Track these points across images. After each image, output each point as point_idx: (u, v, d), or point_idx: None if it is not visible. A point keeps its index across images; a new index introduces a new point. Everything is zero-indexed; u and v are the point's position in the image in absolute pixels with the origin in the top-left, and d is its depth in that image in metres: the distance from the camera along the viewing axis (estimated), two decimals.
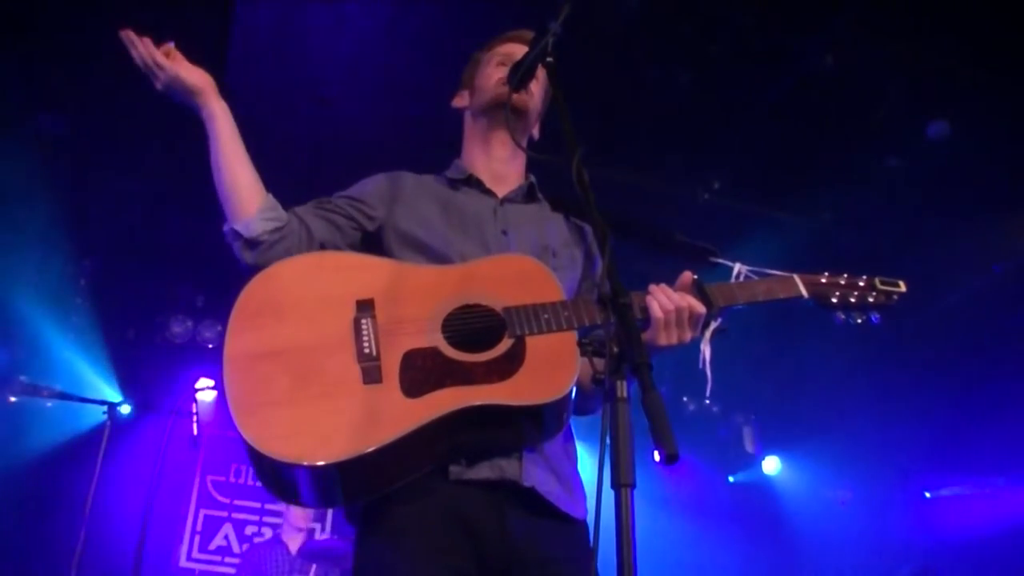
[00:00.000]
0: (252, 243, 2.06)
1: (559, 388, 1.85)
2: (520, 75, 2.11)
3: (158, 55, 2.10)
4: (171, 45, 2.13)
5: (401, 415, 1.80)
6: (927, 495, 8.92)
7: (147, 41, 2.11)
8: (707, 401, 8.39)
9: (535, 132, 2.46)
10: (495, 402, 1.83)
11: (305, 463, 1.75)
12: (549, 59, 1.96)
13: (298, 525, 6.12)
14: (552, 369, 1.87)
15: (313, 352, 1.89)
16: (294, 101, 5.43)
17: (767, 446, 8.98)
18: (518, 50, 2.22)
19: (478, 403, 1.82)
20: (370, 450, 1.75)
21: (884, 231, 6.23)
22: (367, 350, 1.88)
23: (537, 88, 2.34)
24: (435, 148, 2.54)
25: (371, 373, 1.85)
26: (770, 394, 8.41)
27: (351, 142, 5.55)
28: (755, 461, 8.99)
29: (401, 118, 5.46)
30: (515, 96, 2.20)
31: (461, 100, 2.49)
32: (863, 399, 7.74)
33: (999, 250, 6.29)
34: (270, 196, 2.13)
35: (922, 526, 8.51)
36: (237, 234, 2.07)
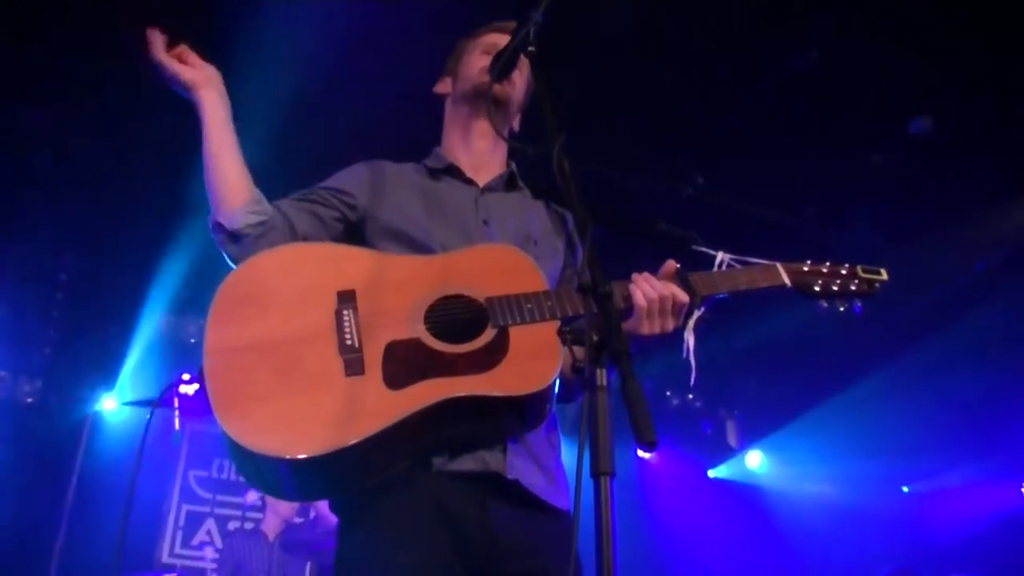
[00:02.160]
0: (235, 236, 2.05)
1: (543, 379, 1.83)
2: (501, 64, 2.11)
3: (162, 55, 2.13)
4: (184, 47, 2.17)
5: (384, 407, 1.78)
6: (904, 489, 9.01)
7: (159, 40, 2.14)
8: (690, 396, 8.41)
9: (515, 124, 2.44)
10: (478, 393, 1.81)
11: (286, 456, 1.73)
12: (531, 48, 1.95)
13: (284, 514, 6.13)
14: (536, 360, 1.86)
15: (294, 344, 1.86)
16: (277, 93, 5.39)
17: (750, 441, 9.03)
18: (502, 40, 2.20)
19: (461, 394, 1.80)
20: (352, 443, 1.73)
21: (868, 227, 6.26)
22: (349, 342, 1.85)
23: (519, 79, 2.33)
24: (419, 140, 2.52)
25: (353, 365, 1.83)
26: (753, 389, 8.45)
27: (333, 134, 5.52)
28: (738, 455, 9.04)
29: (386, 110, 5.43)
30: (496, 86, 2.20)
31: (443, 87, 2.48)
32: (847, 393, 7.79)
33: (982, 247, 6.33)
34: (257, 191, 2.10)
35: (902, 521, 8.59)
36: (221, 226, 2.05)
